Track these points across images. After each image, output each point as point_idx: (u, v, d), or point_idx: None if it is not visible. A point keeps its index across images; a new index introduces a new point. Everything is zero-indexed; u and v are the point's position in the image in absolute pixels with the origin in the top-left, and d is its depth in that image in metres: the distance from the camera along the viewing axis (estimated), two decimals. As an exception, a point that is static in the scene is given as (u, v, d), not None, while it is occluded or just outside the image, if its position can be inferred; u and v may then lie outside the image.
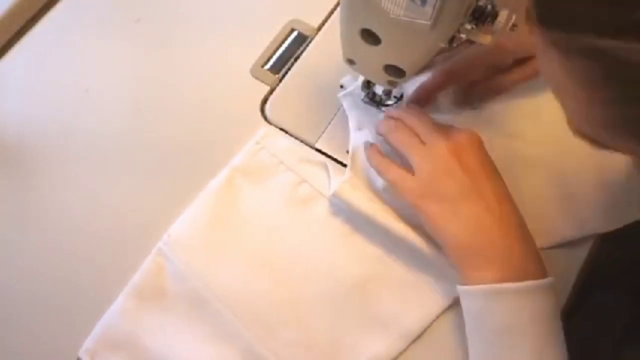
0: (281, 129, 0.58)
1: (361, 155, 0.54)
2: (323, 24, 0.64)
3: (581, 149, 0.36)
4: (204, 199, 0.54)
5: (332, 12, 0.65)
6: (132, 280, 0.52)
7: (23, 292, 0.53)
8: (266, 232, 0.53)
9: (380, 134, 0.53)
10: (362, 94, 0.57)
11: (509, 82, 0.55)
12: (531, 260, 0.45)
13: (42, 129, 0.60)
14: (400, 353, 0.49)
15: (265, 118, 0.59)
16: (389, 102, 0.57)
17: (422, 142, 0.49)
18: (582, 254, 0.52)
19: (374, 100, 0.57)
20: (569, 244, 0.52)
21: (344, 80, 0.59)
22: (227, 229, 0.53)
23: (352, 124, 0.56)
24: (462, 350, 0.49)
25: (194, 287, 0.51)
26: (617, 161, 0.52)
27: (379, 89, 0.57)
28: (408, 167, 0.49)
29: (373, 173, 0.53)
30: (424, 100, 0.55)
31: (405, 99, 0.57)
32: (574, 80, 0.31)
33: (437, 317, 0.50)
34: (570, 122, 0.35)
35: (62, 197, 0.56)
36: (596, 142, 0.35)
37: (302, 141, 0.58)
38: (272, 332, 0.49)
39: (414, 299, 0.50)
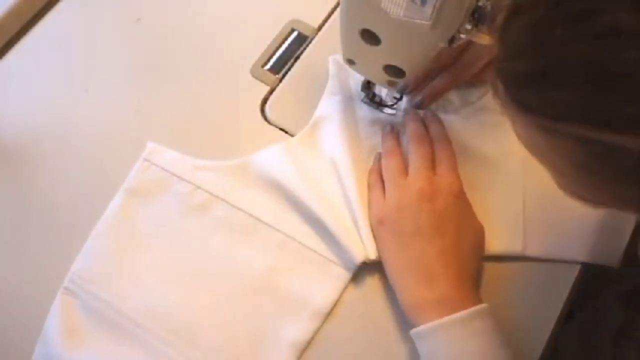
0: (281, 129, 0.59)
1: (323, 122, 0.56)
2: (323, 24, 0.64)
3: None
4: (101, 228, 0.53)
5: (332, 12, 0.65)
6: (46, 322, 0.50)
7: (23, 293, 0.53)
8: (171, 245, 0.53)
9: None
10: (362, 94, 0.57)
11: None
12: (470, 292, 0.47)
13: (42, 129, 0.60)
14: (316, 332, 0.50)
15: (265, 118, 0.59)
16: (389, 103, 0.57)
17: (406, 175, 0.51)
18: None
19: (373, 100, 0.57)
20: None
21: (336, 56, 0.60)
22: (130, 252, 0.52)
23: (328, 88, 0.58)
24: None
25: (107, 318, 0.50)
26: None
27: (379, 89, 0.57)
28: None
29: (328, 141, 0.55)
30: (428, 102, 0.55)
31: (404, 99, 0.57)
32: (558, 155, 0.31)
33: (344, 289, 0.51)
34: (559, 185, 0.36)
35: (61, 196, 0.56)
36: (589, 201, 0.35)
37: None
38: (192, 342, 0.49)
39: (320, 276, 0.51)
